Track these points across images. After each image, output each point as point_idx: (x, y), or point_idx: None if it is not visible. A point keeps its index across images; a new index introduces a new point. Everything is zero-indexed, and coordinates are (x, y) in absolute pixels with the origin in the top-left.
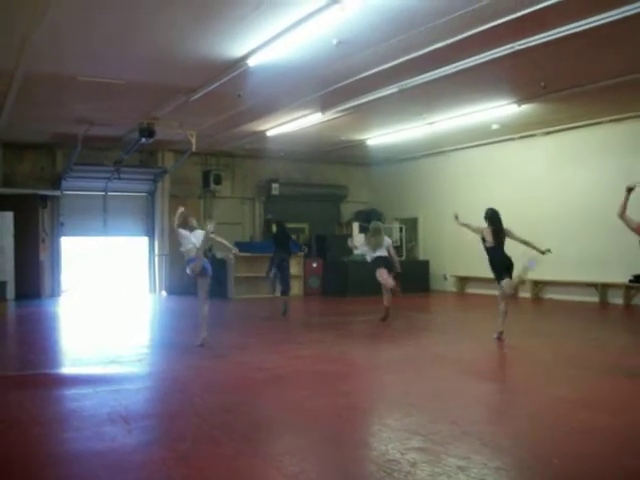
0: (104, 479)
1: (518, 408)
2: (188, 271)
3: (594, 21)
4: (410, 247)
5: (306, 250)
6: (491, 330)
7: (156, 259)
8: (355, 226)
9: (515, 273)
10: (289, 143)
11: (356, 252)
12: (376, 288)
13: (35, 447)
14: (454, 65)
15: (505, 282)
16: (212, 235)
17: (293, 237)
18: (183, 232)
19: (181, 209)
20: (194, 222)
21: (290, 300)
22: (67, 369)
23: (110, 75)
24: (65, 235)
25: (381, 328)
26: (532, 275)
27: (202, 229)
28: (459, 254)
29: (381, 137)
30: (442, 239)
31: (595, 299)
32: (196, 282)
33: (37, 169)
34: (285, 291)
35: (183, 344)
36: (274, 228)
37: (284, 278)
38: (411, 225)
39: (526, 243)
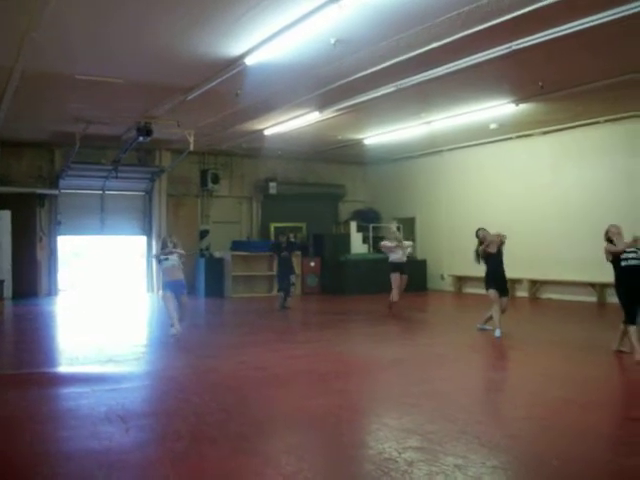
0: (100, 478)
1: (517, 408)
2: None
3: (592, 21)
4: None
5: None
6: (489, 330)
7: (153, 258)
8: (353, 225)
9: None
10: (287, 142)
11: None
12: (374, 286)
13: (31, 445)
14: (451, 64)
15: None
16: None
17: (291, 237)
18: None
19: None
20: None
21: (288, 297)
22: (64, 368)
23: (108, 74)
24: (62, 234)
25: (379, 327)
26: (530, 274)
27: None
28: (456, 254)
29: (379, 136)
30: (439, 239)
31: (593, 299)
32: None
33: (35, 168)
34: (281, 288)
35: (179, 343)
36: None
37: (284, 273)
38: (408, 224)
39: None
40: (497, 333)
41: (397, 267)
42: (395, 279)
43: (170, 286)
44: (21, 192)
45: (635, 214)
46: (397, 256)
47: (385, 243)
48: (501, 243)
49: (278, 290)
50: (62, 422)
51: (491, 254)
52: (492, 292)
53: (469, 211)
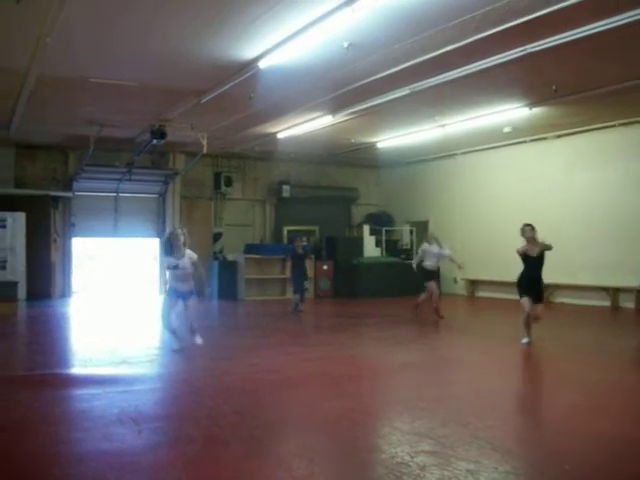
0: None
1: (531, 414)
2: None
3: (605, 24)
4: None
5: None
6: (503, 333)
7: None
8: (366, 229)
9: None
10: (300, 145)
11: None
12: (386, 290)
13: (44, 447)
14: (466, 67)
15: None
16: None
17: (304, 241)
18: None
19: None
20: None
21: (301, 300)
22: (77, 369)
23: (122, 77)
24: (76, 236)
25: (392, 331)
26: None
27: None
28: (470, 257)
29: (392, 140)
30: (453, 242)
31: (607, 303)
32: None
33: (49, 170)
34: (296, 290)
35: (192, 346)
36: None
37: (298, 275)
38: (422, 228)
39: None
40: (524, 340)
41: (432, 275)
42: (432, 288)
43: (177, 293)
44: (35, 194)
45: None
46: (432, 262)
47: (426, 247)
48: (544, 248)
49: (294, 292)
50: (74, 424)
51: (529, 256)
52: (524, 300)
53: (482, 214)
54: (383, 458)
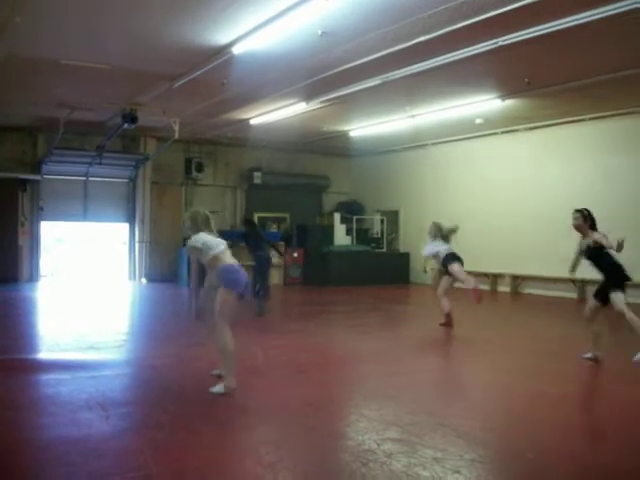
0: (79, 465)
1: (496, 402)
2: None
3: (578, 19)
4: (391, 239)
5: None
6: (474, 324)
7: (136, 246)
8: (337, 217)
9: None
10: (272, 132)
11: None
12: (357, 278)
13: (8, 432)
14: (438, 58)
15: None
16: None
17: (274, 229)
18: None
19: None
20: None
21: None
22: (44, 354)
23: (94, 59)
24: (45, 220)
25: (361, 319)
26: (511, 269)
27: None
28: None
29: (364, 129)
30: (423, 232)
31: (573, 295)
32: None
33: (18, 153)
34: (259, 291)
35: (162, 332)
36: (243, 227)
37: (261, 274)
38: (392, 217)
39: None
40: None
41: (455, 256)
42: (459, 270)
43: (237, 286)
44: (3, 177)
45: (614, 211)
46: (445, 247)
47: (428, 250)
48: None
49: (255, 294)
50: (41, 409)
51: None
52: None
53: (453, 205)
54: (350, 445)
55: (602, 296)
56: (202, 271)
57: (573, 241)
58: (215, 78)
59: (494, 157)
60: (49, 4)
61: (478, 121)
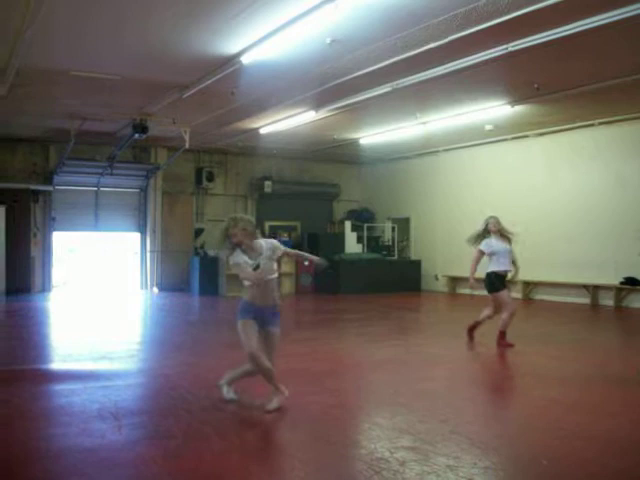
0: (92, 476)
1: (509, 409)
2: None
3: (587, 24)
4: (402, 247)
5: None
6: (481, 330)
7: (148, 255)
8: (347, 225)
9: None
10: (282, 141)
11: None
12: (367, 286)
13: (22, 443)
14: (448, 65)
15: None
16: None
17: (285, 237)
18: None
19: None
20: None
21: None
22: (56, 365)
23: (104, 70)
24: (57, 230)
25: (372, 327)
26: (523, 275)
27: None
28: (451, 254)
29: (374, 136)
30: (434, 239)
31: (586, 300)
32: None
33: (29, 164)
34: None
35: (174, 341)
36: None
37: None
38: (403, 225)
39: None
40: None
41: (503, 280)
42: (504, 297)
43: (256, 312)
44: (15, 188)
45: (626, 216)
46: (504, 263)
47: (493, 244)
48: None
49: None
50: (54, 419)
51: None
52: None
53: (464, 212)
54: (363, 453)
55: None
56: None
57: (586, 247)
58: (224, 88)
59: (504, 163)
60: (59, 17)
61: (488, 127)
